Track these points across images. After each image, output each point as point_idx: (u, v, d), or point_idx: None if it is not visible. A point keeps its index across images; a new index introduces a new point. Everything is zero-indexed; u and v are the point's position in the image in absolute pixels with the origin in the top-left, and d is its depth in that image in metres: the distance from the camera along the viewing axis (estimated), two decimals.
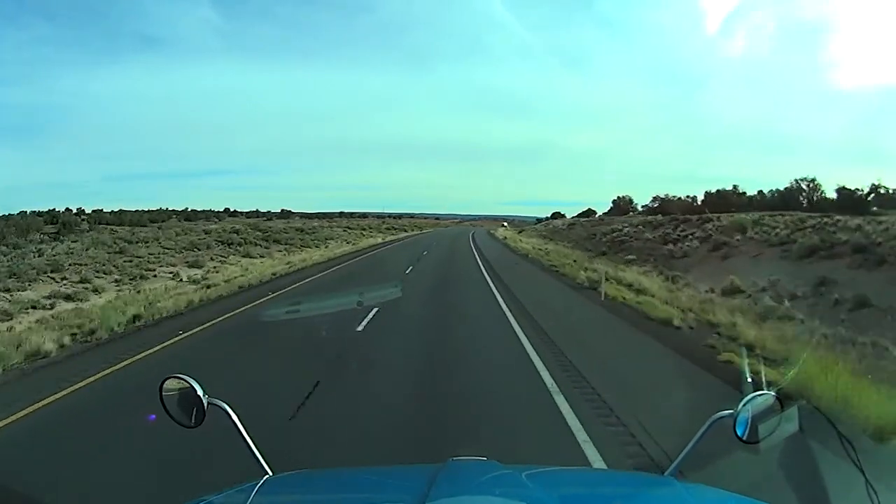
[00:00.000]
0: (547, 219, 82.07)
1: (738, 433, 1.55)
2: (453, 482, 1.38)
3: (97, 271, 22.50)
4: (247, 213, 67.07)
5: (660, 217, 38.29)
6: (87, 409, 5.71)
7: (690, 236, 27.92)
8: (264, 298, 13.82)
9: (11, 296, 16.99)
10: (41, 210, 41.21)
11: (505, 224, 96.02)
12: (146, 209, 51.21)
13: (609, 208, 58.29)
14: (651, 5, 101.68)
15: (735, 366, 6.74)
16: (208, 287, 16.20)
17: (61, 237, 33.03)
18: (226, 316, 11.33)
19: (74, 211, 44.86)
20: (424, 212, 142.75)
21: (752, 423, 1.54)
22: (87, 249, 28.09)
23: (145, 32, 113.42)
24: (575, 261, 24.23)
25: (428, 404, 5.67)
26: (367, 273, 21.05)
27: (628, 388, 6.04)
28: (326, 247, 38.33)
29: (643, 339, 8.89)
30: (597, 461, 4.16)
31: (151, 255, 27.99)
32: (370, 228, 66.69)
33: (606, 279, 14.58)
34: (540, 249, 33.31)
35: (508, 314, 11.02)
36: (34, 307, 15.26)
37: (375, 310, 10.71)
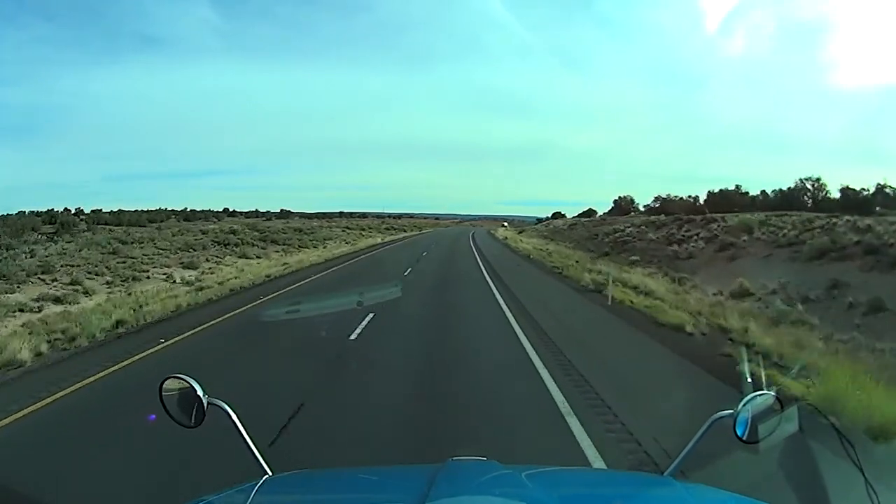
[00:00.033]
0: (547, 219, 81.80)
1: (738, 433, 1.54)
2: (453, 482, 1.38)
3: (89, 273, 22.03)
4: (246, 213, 66.65)
5: (663, 217, 37.86)
6: (47, 431, 5.13)
7: (695, 237, 27.42)
8: (255, 303, 13.41)
9: None
10: (40, 210, 40.67)
11: (505, 224, 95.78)
12: (145, 209, 50.61)
13: (610, 208, 58.18)
14: (651, 5, 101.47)
15: (755, 379, 6.22)
16: (200, 290, 15.84)
17: (56, 238, 32.54)
18: (213, 322, 10.85)
19: (73, 211, 44.25)
20: (424, 212, 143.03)
21: (751, 423, 1.53)
22: (80, 250, 27.58)
23: (145, 32, 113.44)
24: (577, 262, 23.79)
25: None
26: (366, 274, 20.67)
27: (652, 414, 5.31)
28: (324, 247, 37.95)
29: (659, 351, 8.36)
30: None
31: (146, 255, 27.51)
32: (369, 229, 66.45)
33: (612, 282, 14.08)
34: (541, 250, 32.96)
35: (514, 323, 10.34)
36: (21, 310, 14.79)
37: (370, 316, 10.25)
